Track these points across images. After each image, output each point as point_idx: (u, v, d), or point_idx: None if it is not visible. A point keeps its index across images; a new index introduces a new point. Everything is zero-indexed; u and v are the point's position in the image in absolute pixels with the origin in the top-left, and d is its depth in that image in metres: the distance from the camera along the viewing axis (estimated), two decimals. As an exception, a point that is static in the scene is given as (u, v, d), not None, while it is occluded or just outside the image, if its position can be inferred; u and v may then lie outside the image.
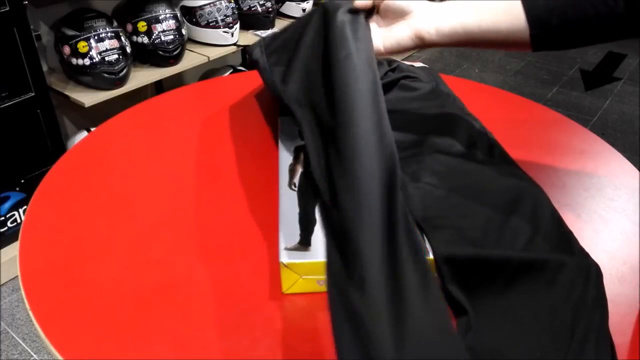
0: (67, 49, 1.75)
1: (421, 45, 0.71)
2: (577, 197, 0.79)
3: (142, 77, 1.90)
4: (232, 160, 0.84)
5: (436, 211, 0.66)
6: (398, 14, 0.71)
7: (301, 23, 0.80)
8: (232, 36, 2.15)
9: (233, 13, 2.15)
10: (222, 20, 2.12)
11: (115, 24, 1.82)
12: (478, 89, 1.12)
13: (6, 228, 1.72)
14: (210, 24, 2.11)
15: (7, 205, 1.70)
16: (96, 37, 1.75)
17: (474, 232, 0.63)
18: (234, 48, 2.17)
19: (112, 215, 0.72)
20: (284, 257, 0.59)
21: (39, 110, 1.65)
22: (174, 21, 1.94)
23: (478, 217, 0.66)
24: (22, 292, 0.60)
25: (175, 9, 1.99)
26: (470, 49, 0.73)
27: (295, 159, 0.76)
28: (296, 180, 0.72)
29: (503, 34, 0.67)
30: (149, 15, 1.91)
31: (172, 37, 1.94)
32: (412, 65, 1.04)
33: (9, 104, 1.58)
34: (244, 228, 0.69)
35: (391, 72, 0.98)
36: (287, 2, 2.45)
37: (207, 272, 0.63)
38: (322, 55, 0.70)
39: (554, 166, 0.86)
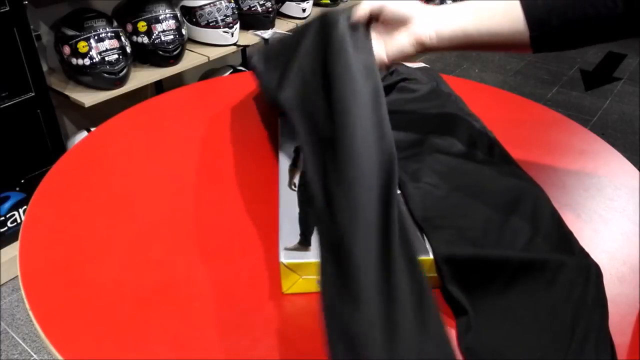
0: (67, 49, 1.75)
1: (423, 50, 0.71)
2: (577, 197, 0.79)
3: (142, 77, 1.90)
4: (232, 160, 0.84)
5: (436, 211, 0.66)
6: (399, 23, 0.71)
7: (299, 32, 0.80)
8: (232, 36, 2.15)
9: (233, 13, 2.15)
10: (222, 20, 2.12)
11: (115, 24, 1.82)
12: (478, 89, 1.12)
13: (6, 228, 1.72)
14: (210, 24, 2.11)
15: (7, 205, 1.70)
16: (96, 37, 1.75)
17: (474, 232, 0.63)
18: (234, 48, 2.17)
19: (112, 215, 0.72)
20: (284, 257, 0.59)
21: (39, 110, 1.65)
22: (174, 21, 1.94)
23: (478, 217, 0.66)
24: (22, 292, 0.60)
25: (175, 9, 1.99)
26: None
27: (296, 159, 0.76)
28: (296, 180, 0.72)
29: (503, 37, 0.67)
30: (149, 15, 1.91)
31: (172, 37, 1.94)
32: (412, 67, 1.05)
33: (9, 104, 1.58)
34: (244, 228, 0.69)
35: (389, 75, 0.99)
36: (287, 2, 2.45)
37: (207, 272, 0.63)
38: (320, 65, 0.70)
39: (554, 166, 0.86)
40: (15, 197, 1.71)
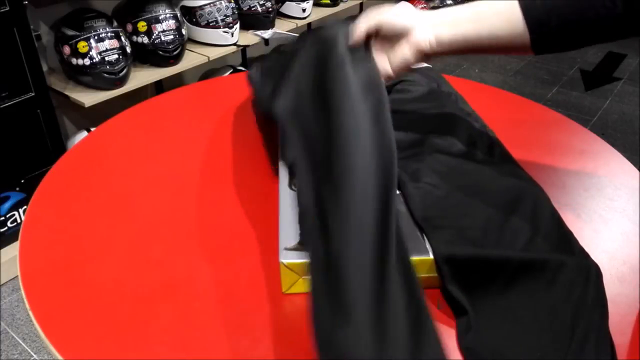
0: (67, 49, 1.75)
1: (425, 59, 0.72)
2: (577, 197, 0.79)
3: (142, 77, 1.90)
4: (232, 160, 0.84)
5: (436, 211, 0.66)
6: (399, 35, 0.72)
7: (296, 46, 0.81)
8: (232, 36, 2.15)
9: (233, 13, 2.15)
10: (222, 20, 2.12)
11: (115, 24, 1.82)
12: (478, 89, 1.12)
13: (6, 228, 1.72)
14: (210, 24, 2.11)
15: (7, 205, 1.70)
16: (96, 37, 1.75)
17: (474, 232, 0.63)
18: (234, 48, 2.17)
19: (112, 215, 0.72)
20: (284, 257, 0.59)
21: (39, 110, 1.65)
22: (174, 21, 1.94)
23: (478, 217, 0.66)
24: (22, 292, 0.60)
25: (175, 9, 1.99)
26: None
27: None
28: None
29: (504, 40, 0.67)
30: (149, 15, 1.91)
31: (172, 37, 1.93)
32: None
33: (9, 104, 1.58)
34: (244, 228, 0.69)
35: None
36: (287, 2, 2.45)
37: (207, 272, 0.63)
38: (317, 80, 0.70)
39: (554, 166, 0.86)
40: (15, 197, 1.71)
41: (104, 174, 0.81)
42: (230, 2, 2.14)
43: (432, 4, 3.46)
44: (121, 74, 1.80)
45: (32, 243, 0.67)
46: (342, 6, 2.69)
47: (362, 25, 0.73)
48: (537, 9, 0.65)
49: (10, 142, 1.63)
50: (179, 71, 2.00)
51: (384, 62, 0.74)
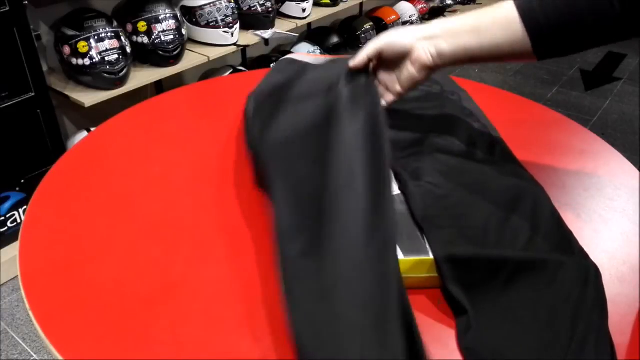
0: (67, 49, 1.75)
1: (431, 73, 0.74)
2: (577, 197, 0.79)
3: (142, 77, 1.90)
4: (232, 160, 0.84)
5: (436, 211, 0.66)
6: (402, 55, 0.74)
7: (293, 76, 0.84)
8: (232, 36, 2.15)
9: (233, 13, 2.15)
10: (222, 20, 2.12)
11: (115, 24, 1.82)
12: (478, 89, 1.12)
13: (6, 228, 1.72)
14: (210, 24, 2.11)
15: (7, 205, 1.70)
16: (96, 37, 1.74)
17: (474, 232, 0.63)
18: (234, 48, 2.17)
19: (112, 215, 0.72)
20: (284, 257, 0.58)
21: (39, 110, 1.65)
22: (174, 21, 1.94)
23: (478, 216, 0.66)
24: (22, 292, 0.60)
25: (175, 9, 1.99)
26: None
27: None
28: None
29: (505, 48, 0.68)
30: (149, 15, 1.91)
31: (172, 37, 1.93)
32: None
33: (9, 104, 1.58)
34: (244, 228, 0.69)
35: None
36: (287, 2, 2.45)
37: (207, 272, 0.63)
38: (314, 118, 0.72)
39: (554, 166, 0.86)
40: (15, 197, 1.71)
41: (104, 174, 0.81)
42: (230, 2, 2.14)
43: (432, 4, 3.46)
44: (121, 74, 1.80)
45: (32, 243, 0.67)
46: (342, 6, 2.68)
47: (364, 52, 0.76)
48: (535, 14, 0.65)
49: (10, 142, 1.63)
50: (179, 71, 2.00)
51: (393, 82, 0.77)
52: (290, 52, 2.48)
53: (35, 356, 1.52)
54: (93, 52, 1.74)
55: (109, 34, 1.77)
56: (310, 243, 0.57)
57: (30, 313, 0.57)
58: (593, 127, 2.73)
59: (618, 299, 0.60)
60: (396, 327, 0.49)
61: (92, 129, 1.54)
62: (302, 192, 0.63)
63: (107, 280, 0.61)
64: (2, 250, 1.70)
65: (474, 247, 0.61)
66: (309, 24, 2.68)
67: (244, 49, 2.27)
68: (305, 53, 2.51)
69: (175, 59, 1.98)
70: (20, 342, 1.56)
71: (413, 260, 0.59)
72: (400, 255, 0.59)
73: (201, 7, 2.09)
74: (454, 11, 3.67)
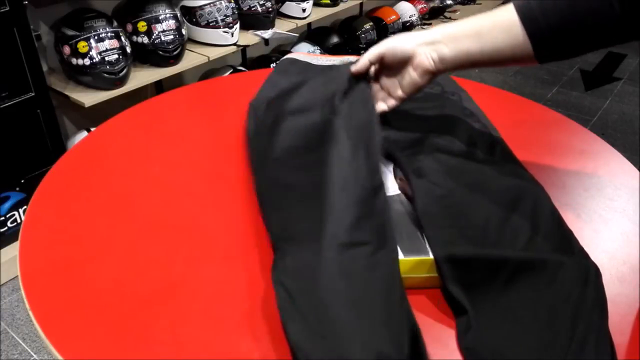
0: (67, 49, 1.75)
1: (433, 78, 0.75)
2: (577, 197, 0.79)
3: (142, 77, 1.90)
4: (232, 160, 0.84)
5: (436, 210, 0.66)
6: (404, 60, 0.75)
7: (290, 86, 0.87)
8: (232, 36, 2.15)
9: (233, 13, 2.15)
10: (222, 20, 2.12)
11: (115, 24, 1.82)
12: (478, 89, 1.12)
13: (6, 228, 1.72)
14: (210, 24, 2.11)
15: (7, 205, 1.70)
16: (96, 37, 1.74)
17: (474, 231, 0.63)
18: (234, 48, 2.17)
19: (112, 215, 0.72)
20: (284, 257, 0.59)
21: (39, 110, 1.65)
22: (174, 21, 1.94)
23: (478, 216, 0.66)
24: (22, 292, 0.60)
25: (175, 9, 1.99)
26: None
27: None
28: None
29: (507, 53, 0.68)
30: (149, 15, 1.91)
31: (172, 37, 1.93)
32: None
33: (9, 104, 1.58)
34: (244, 228, 0.69)
35: None
36: (287, 2, 2.45)
37: (207, 272, 0.63)
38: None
39: (554, 166, 0.86)
40: (15, 197, 1.71)
41: (104, 174, 0.81)
42: (230, 2, 2.14)
43: (432, 4, 3.46)
44: (121, 74, 1.80)
45: (32, 243, 0.67)
46: (342, 6, 2.68)
47: (365, 56, 0.77)
48: (535, 18, 0.65)
49: (10, 142, 1.63)
50: (179, 71, 2.00)
51: (395, 87, 0.78)
52: (290, 52, 2.48)
53: (35, 356, 1.52)
54: (93, 52, 1.74)
55: (109, 34, 1.77)
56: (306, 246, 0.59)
57: (30, 313, 0.57)
58: (593, 127, 2.73)
59: (618, 299, 0.60)
60: (399, 325, 0.50)
61: (92, 129, 1.54)
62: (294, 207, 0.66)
63: (107, 280, 0.61)
64: (2, 250, 1.70)
65: (474, 247, 0.61)
66: (309, 24, 2.68)
67: (244, 49, 2.27)
68: (306, 53, 2.51)
69: (175, 59, 1.98)
70: (20, 342, 1.56)
71: (413, 260, 0.59)
72: (400, 255, 0.59)
73: (201, 7, 2.09)
74: (454, 11, 3.67)
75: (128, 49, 1.83)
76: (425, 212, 0.65)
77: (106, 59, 1.75)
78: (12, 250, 1.72)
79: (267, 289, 0.60)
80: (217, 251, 0.66)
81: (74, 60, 1.75)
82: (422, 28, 3.31)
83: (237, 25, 2.17)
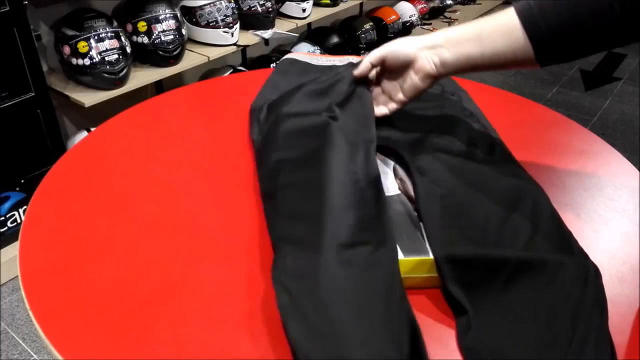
0: (67, 49, 1.75)
1: (434, 81, 0.75)
2: (577, 197, 0.79)
3: (142, 77, 1.90)
4: (232, 160, 0.84)
5: (436, 210, 0.66)
6: (405, 64, 0.75)
7: (289, 89, 0.87)
8: (232, 36, 2.15)
9: (233, 13, 2.15)
10: (222, 20, 2.12)
11: (115, 24, 1.82)
12: (478, 89, 1.12)
13: (6, 228, 1.72)
14: (210, 24, 2.11)
15: (7, 205, 1.70)
16: (96, 37, 1.75)
17: (474, 232, 0.63)
18: (234, 48, 2.17)
19: (112, 215, 0.72)
20: (284, 257, 0.59)
21: (39, 110, 1.65)
22: (174, 21, 1.94)
23: (478, 216, 0.66)
24: (22, 292, 0.60)
25: (175, 9, 1.99)
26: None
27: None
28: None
29: (508, 56, 0.68)
30: (149, 15, 1.91)
31: (172, 37, 1.93)
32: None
33: (9, 104, 1.58)
34: (244, 228, 0.69)
35: None
36: (287, 2, 2.45)
37: (207, 272, 0.63)
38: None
39: (554, 166, 0.86)
40: (15, 197, 1.71)
41: (104, 174, 0.81)
42: (230, 2, 2.14)
43: (432, 4, 3.46)
44: (121, 74, 1.80)
45: (32, 243, 0.67)
46: (342, 6, 2.68)
47: (367, 59, 0.78)
48: (536, 20, 0.65)
49: (10, 142, 1.63)
50: (179, 71, 2.00)
51: (396, 90, 0.78)
52: (290, 52, 2.48)
53: (35, 356, 1.52)
54: (93, 52, 1.74)
55: (109, 34, 1.77)
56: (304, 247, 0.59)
57: (30, 313, 0.57)
58: (593, 127, 2.73)
59: (618, 299, 0.60)
60: (399, 325, 0.50)
61: (92, 129, 1.54)
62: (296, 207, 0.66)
63: (107, 280, 0.61)
64: (2, 250, 1.70)
65: (474, 247, 0.61)
66: (309, 24, 2.68)
67: (244, 49, 2.27)
68: (306, 53, 2.51)
69: (175, 59, 1.98)
70: (20, 342, 1.56)
71: (413, 260, 0.59)
72: (400, 255, 0.59)
73: (201, 7, 2.09)
74: (454, 11, 3.67)
75: (128, 49, 1.83)
76: (426, 212, 0.65)
77: (106, 59, 1.75)
78: (12, 250, 1.72)
79: (267, 289, 0.60)
80: (217, 251, 0.66)
81: (74, 60, 1.75)
82: (422, 28, 3.31)
83: (237, 25, 2.17)
